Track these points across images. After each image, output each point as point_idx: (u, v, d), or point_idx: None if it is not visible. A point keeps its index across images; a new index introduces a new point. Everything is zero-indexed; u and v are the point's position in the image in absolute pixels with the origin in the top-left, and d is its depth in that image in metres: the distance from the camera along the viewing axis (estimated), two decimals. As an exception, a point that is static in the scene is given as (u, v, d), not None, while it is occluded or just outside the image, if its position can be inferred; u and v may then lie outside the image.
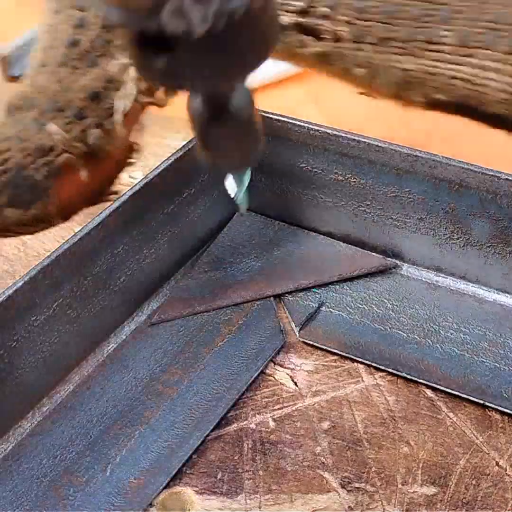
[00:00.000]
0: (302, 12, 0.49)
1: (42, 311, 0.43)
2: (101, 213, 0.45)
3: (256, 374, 0.46)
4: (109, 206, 0.45)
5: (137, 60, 0.35)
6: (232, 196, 0.43)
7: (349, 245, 0.53)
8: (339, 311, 0.49)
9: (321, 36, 0.49)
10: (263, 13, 0.38)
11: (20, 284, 0.41)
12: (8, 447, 0.43)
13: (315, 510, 0.40)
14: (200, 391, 0.45)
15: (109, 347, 0.47)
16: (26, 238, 0.57)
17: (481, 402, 0.43)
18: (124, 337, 0.48)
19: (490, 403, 0.43)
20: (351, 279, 0.51)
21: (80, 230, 0.44)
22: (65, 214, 0.44)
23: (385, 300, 0.50)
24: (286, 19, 0.49)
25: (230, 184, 0.43)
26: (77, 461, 0.42)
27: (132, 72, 0.46)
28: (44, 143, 0.43)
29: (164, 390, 0.45)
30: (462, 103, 0.46)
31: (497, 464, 0.41)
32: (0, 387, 0.42)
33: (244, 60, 0.37)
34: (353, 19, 0.48)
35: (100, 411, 0.44)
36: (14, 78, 0.77)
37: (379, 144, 0.48)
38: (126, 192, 0.46)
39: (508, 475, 0.40)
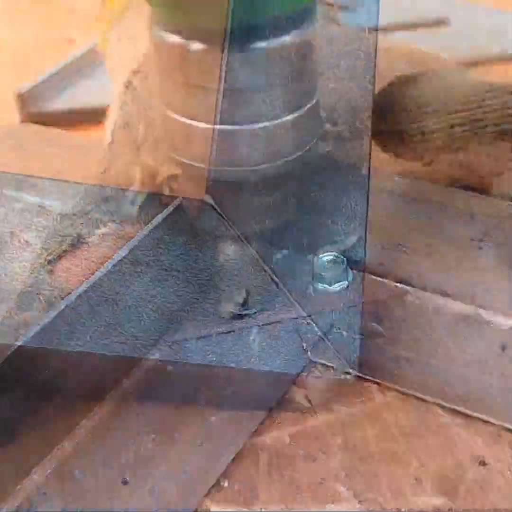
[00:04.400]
0: None
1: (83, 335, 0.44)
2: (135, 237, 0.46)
3: (284, 390, 0.47)
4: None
5: None
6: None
7: (359, 272, 0.54)
8: (348, 332, 0.51)
9: None
10: None
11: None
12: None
13: (329, 520, 0.41)
14: (231, 409, 0.46)
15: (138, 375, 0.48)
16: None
17: (484, 419, 0.45)
18: (154, 361, 0.48)
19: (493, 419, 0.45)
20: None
21: (117, 255, 0.45)
22: None
23: (392, 321, 0.51)
24: None
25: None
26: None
27: None
28: None
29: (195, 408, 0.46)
30: None
31: (504, 476, 0.42)
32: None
33: None
34: None
35: (137, 431, 0.45)
36: (30, 116, 0.79)
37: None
38: (157, 217, 0.47)
39: (515, 486, 0.42)
